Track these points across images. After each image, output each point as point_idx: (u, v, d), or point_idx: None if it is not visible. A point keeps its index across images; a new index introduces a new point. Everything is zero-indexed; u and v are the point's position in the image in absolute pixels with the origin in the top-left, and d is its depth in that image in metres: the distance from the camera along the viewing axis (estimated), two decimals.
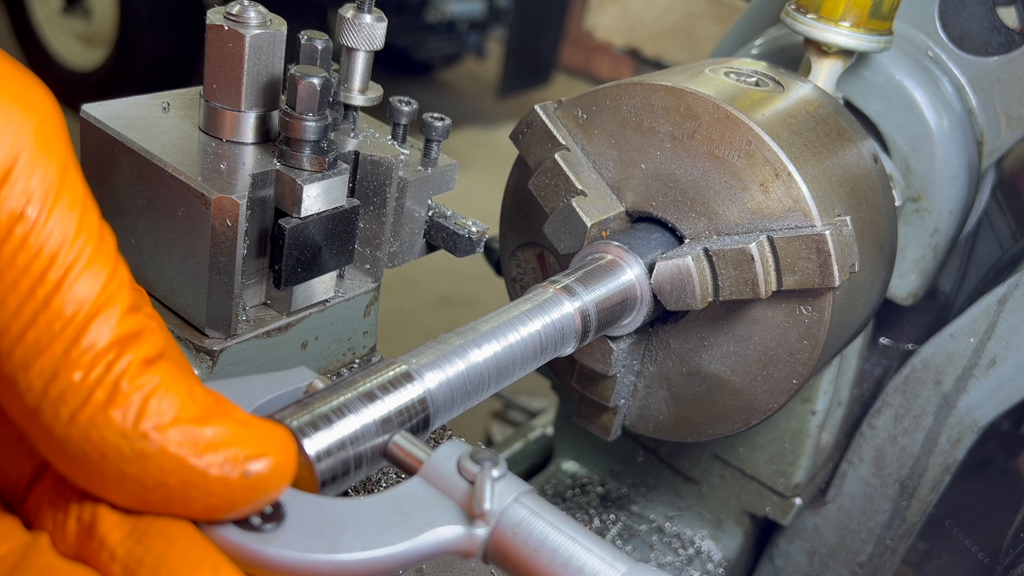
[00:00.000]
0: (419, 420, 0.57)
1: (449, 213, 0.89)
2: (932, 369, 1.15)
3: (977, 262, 1.40)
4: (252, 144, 0.78)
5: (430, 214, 0.89)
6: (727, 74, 0.91)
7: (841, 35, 0.99)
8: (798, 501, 1.22)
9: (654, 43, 2.90)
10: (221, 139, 0.77)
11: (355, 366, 0.90)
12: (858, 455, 1.23)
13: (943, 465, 1.16)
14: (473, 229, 0.88)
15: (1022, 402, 1.11)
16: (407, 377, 0.57)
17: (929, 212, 1.15)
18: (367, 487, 0.77)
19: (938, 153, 1.13)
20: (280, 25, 0.76)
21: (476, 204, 1.83)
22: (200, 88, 0.78)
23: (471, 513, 0.49)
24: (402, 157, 0.85)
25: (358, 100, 0.85)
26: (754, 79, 0.92)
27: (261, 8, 0.75)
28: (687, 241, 0.85)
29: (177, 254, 0.73)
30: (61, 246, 0.40)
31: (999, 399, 1.11)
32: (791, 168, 0.80)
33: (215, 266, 0.72)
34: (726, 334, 0.87)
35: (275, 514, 0.46)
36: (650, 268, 0.81)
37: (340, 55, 0.84)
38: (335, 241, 0.79)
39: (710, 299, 0.81)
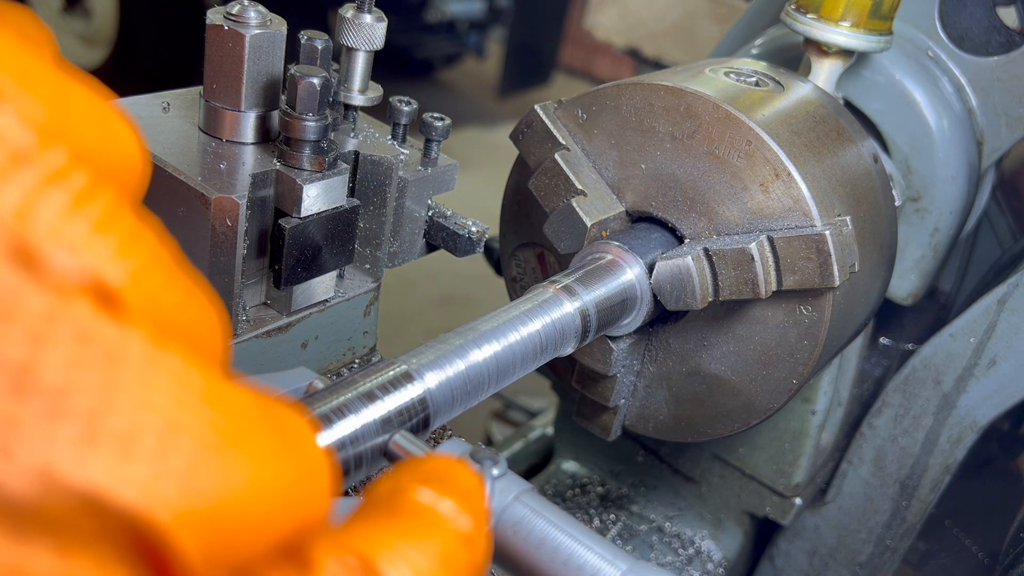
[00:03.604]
0: (419, 420, 0.57)
1: (449, 213, 0.89)
2: (932, 369, 1.15)
3: (977, 262, 1.40)
4: (252, 144, 0.78)
5: (430, 214, 0.89)
6: (727, 74, 0.92)
7: (841, 35, 0.99)
8: (798, 501, 1.22)
9: (654, 43, 2.90)
10: (221, 139, 0.77)
11: (355, 366, 0.90)
12: (858, 455, 1.23)
13: (943, 465, 1.16)
14: (473, 229, 0.88)
15: (1022, 402, 1.11)
16: (407, 377, 0.57)
17: (929, 212, 1.15)
18: (367, 487, 0.77)
19: (938, 153, 1.13)
20: (280, 25, 0.76)
21: (476, 204, 1.83)
22: (200, 88, 0.78)
23: None
24: (402, 157, 0.85)
25: (358, 100, 0.85)
26: (754, 79, 0.92)
27: (261, 8, 0.75)
28: (687, 241, 0.85)
29: None
30: None
31: (999, 399, 1.11)
32: (791, 168, 0.80)
33: (215, 266, 0.72)
34: (726, 334, 0.87)
35: None
36: (650, 268, 0.81)
37: (340, 55, 0.84)
38: (335, 241, 0.79)
39: (710, 299, 0.81)
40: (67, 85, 0.28)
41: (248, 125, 0.77)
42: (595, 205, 0.86)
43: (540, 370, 0.82)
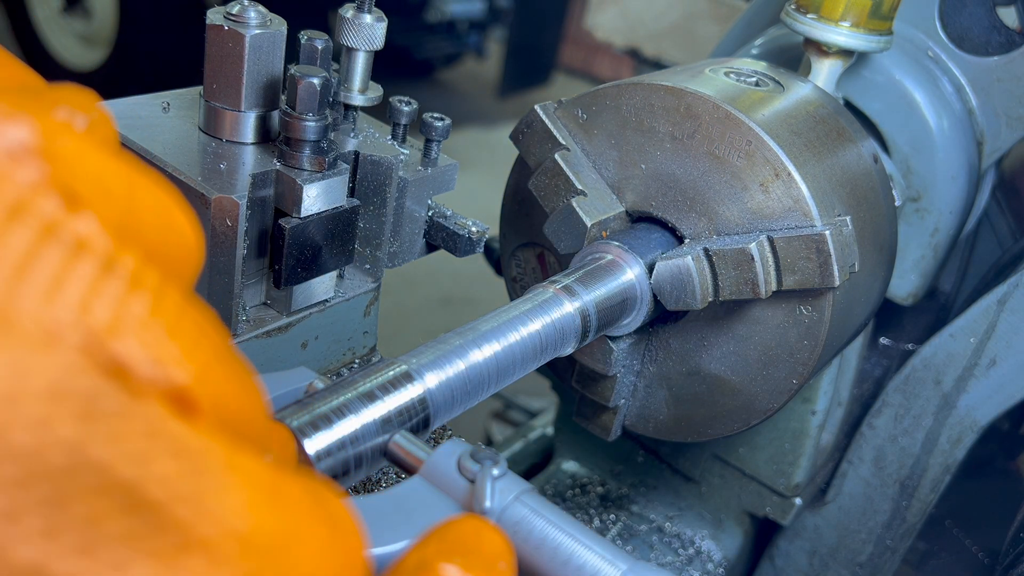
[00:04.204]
0: (419, 420, 0.57)
1: (449, 213, 0.89)
2: (932, 369, 1.15)
3: (977, 262, 1.40)
4: (252, 144, 0.78)
5: (430, 214, 0.89)
6: (727, 74, 0.92)
7: (841, 35, 0.99)
8: (798, 501, 1.22)
9: (654, 43, 2.90)
10: (221, 139, 0.77)
11: (355, 366, 0.90)
12: (858, 455, 1.23)
13: (943, 465, 1.16)
14: (473, 229, 0.88)
15: (1022, 402, 1.11)
16: (407, 377, 0.57)
17: (929, 212, 1.15)
18: (367, 487, 0.77)
19: (938, 153, 1.13)
20: (280, 25, 0.76)
21: (476, 204, 1.83)
22: (200, 88, 0.78)
23: (472, 512, 0.49)
24: (402, 157, 0.85)
25: (358, 100, 0.85)
26: (754, 79, 0.92)
27: (261, 8, 0.75)
28: (687, 241, 0.85)
29: None
30: None
31: (999, 399, 1.11)
32: (791, 168, 0.80)
33: (215, 266, 0.72)
34: (726, 334, 0.87)
35: None
36: (650, 268, 0.81)
37: (340, 55, 0.84)
38: (335, 241, 0.79)
39: (710, 299, 0.81)
40: (135, 181, 0.30)
41: (248, 125, 0.77)
42: (595, 205, 0.86)
43: (540, 370, 0.82)
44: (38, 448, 0.24)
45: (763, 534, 1.34)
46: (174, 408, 0.28)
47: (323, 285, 0.82)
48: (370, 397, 0.54)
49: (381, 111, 0.90)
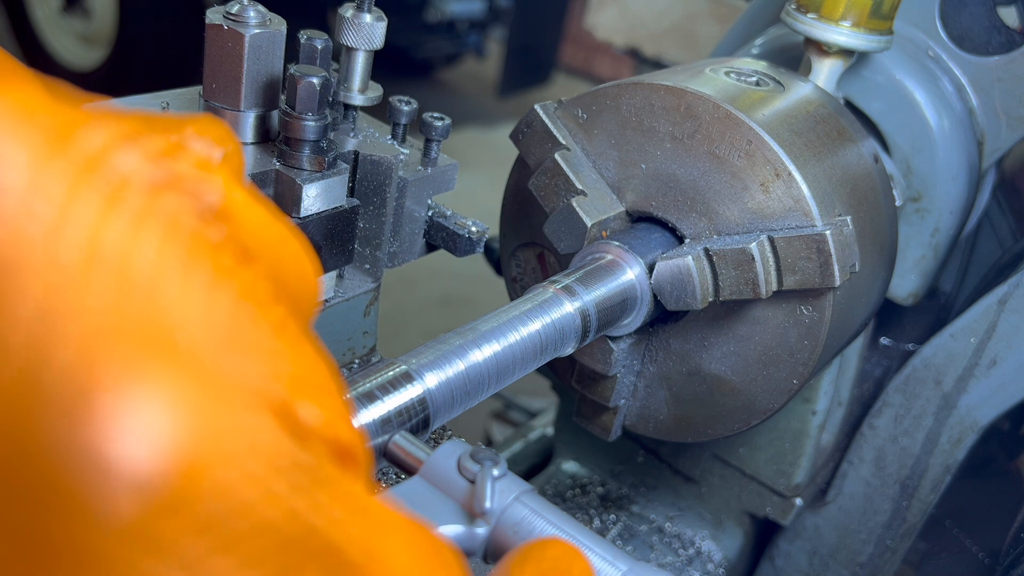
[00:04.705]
0: (419, 420, 0.57)
1: (449, 213, 0.89)
2: (932, 369, 1.15)
3: (977, 262, 1.40)
4: (252, 144, 0.77)
5: (430, 214, 0.89)
6: (727, 74, 0.91)
7: (841, 35, 0.99)
8: (798, 501, 1.22)
9: (654, 43, 2.90)
10: None
11: (355, 366, 0.90)
12: (858, 455, 1.23)
13: (943, 465, 1.16)
14: (473, 229, 0.88)
15: (1022, 402, 1.11)
16: (407, 377, 0.57)
17: (929, 212, 1.15)
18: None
19: (938, 153, 1.13)
20: (280, 25, 0.76)
21: (476, 204, 1.83)
22: (199, 88, 0.78)
23: (471, 512, 0.49)
24: (402, 157, 0.85)
25: (358, 100, 0.85)
26: (754, 79, 0.92)
27: (261, 8, 0.75)
28: (687, 241, 0.85)
29: None
30: None
31: (999, 399, 1.11)
32: (791, 168, 0.80)
33: None
34: (726, 334, 0.87)
35: None
36: (650, 268, 0.81)
37: (340, 55, 0.84)
38: (334, 241, 0.79)
39: (710, 299, 0.81)
40: (282, 233, 0.31)
41: (247, 125, 0.77)
42: (595, 205, 0.86)
43: (540, 370, 0.81)
44: (275, 522, 0.25)
45: (763, 534, 1.34)
46: (344, 467, 0.29)
47: (322, 285, 0.82)
48: (370, 397, 0.54)
49: (381, 111, 0.90)
